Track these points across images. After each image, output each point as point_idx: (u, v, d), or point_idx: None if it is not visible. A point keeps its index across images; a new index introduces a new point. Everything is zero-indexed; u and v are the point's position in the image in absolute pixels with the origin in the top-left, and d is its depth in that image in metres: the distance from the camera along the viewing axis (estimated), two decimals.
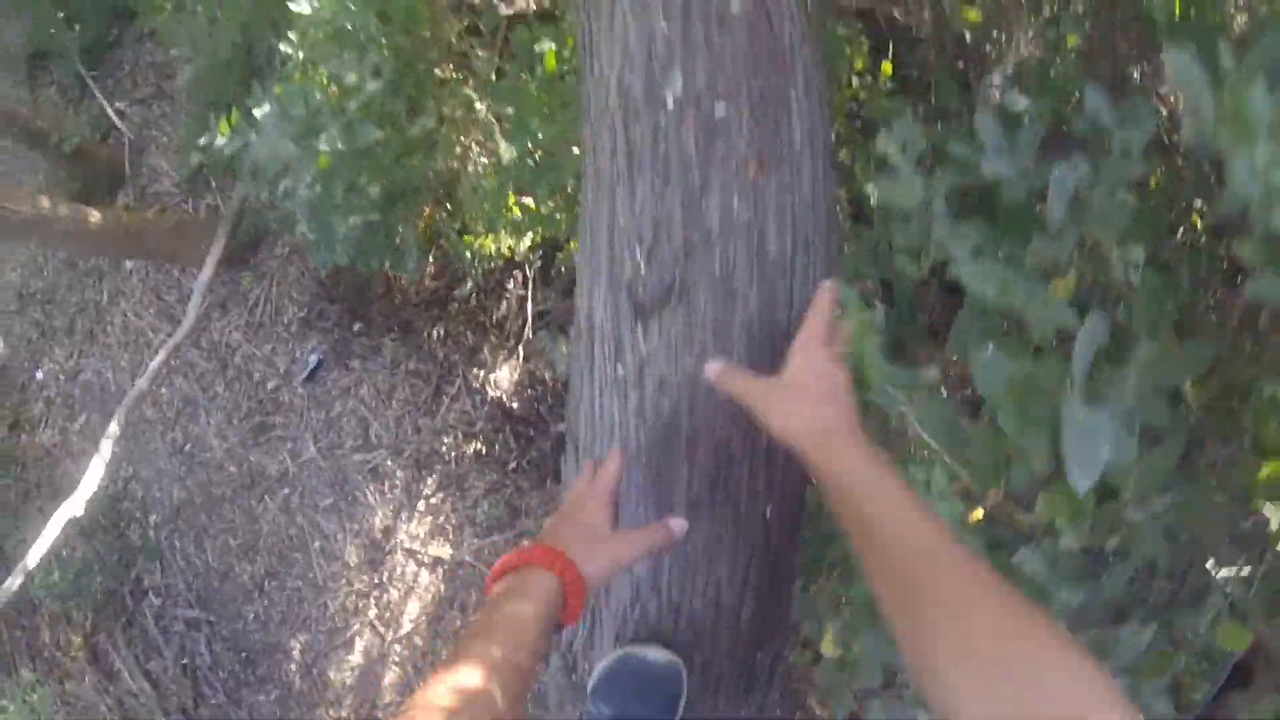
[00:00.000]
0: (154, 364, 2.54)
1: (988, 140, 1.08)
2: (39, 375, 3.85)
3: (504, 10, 3.10)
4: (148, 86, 3.66)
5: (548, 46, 2.07)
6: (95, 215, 2.91)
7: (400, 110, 1.94)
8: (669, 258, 1.02)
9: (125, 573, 3.52)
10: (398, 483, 2.84)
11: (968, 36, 1.73)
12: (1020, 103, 1.35)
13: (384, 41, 2.19)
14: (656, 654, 0.97)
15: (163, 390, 3.28)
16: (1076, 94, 1.53)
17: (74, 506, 2.54)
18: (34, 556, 2.54)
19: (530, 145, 2.06)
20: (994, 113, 1.10)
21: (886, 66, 1.88)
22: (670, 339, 1.02)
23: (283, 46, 2.18)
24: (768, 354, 1.01)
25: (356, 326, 2.81)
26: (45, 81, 4.17)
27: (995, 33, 1.65)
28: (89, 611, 3.70)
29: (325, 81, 2.17)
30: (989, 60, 1.63)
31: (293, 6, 2.08)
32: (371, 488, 2.87)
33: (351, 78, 1.78)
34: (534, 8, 3.09)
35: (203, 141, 1.95)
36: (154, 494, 3.36)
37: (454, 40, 2.73)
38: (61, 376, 3.73)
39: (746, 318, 1.01)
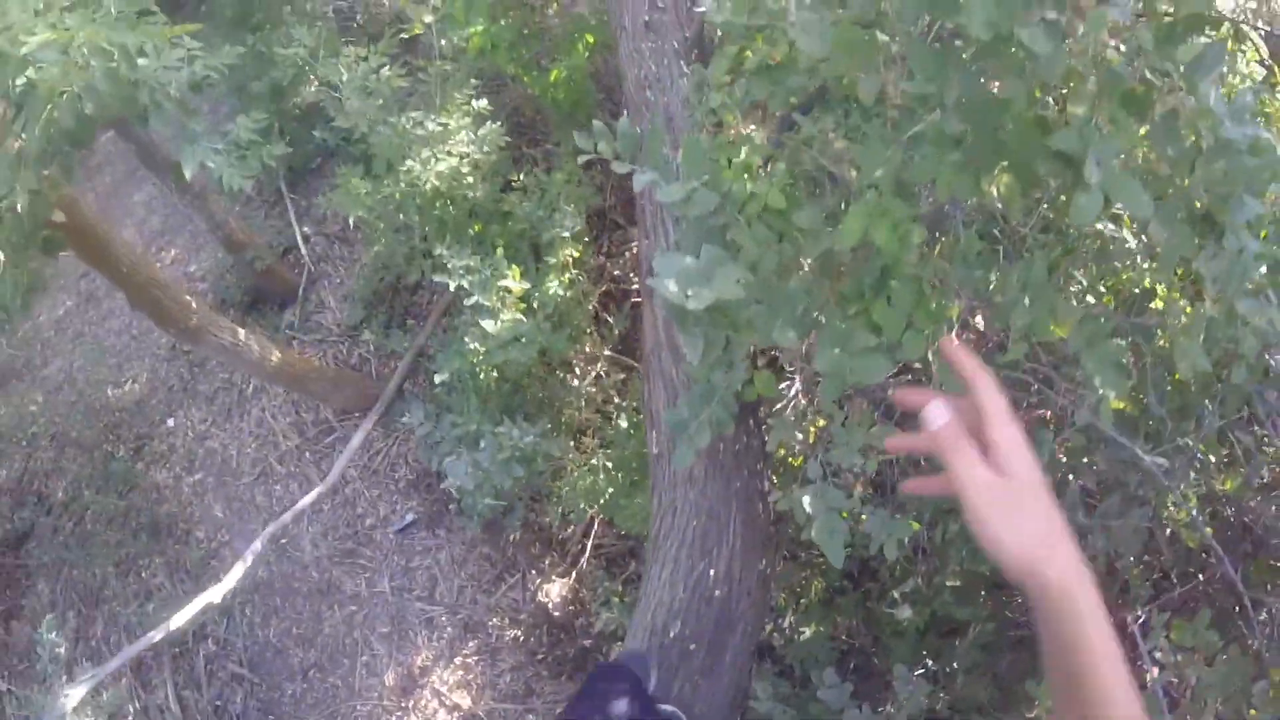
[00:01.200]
0: (300, 505, 3.23)
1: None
2: (170, 422, 4.56)
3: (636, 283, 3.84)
4: (336, 224, 4.42)
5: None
6: (276, 355, 3.63)
7: (541, 450, 2.65)
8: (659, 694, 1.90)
9: (196, 616, 4.17)
10: (445, 636, 3.49)
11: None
12: (906, 612, 2.24)
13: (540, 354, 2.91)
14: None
15: (277, 487, 3.98)
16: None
17: (214, 594, 3.23)
18: (176, 622, 3.21)
19: (621, 474, 2.76)
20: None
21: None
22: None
23: (469, 341, 2.88)
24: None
25: (453, 506, 3.49)
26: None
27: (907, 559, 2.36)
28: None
29: (492, 370, 2.90)
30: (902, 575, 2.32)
31: (484, 324, 2.80)
32: (424, 633, 3.52)
33: (514, 431, 2.49)
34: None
35: (405, 419, 2.67)
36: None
37: (588, 330, 3.43)
38: (190, 434, 4.44)
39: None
